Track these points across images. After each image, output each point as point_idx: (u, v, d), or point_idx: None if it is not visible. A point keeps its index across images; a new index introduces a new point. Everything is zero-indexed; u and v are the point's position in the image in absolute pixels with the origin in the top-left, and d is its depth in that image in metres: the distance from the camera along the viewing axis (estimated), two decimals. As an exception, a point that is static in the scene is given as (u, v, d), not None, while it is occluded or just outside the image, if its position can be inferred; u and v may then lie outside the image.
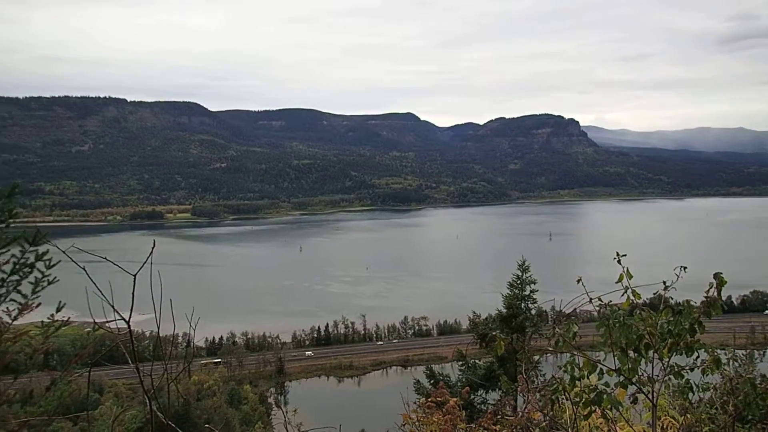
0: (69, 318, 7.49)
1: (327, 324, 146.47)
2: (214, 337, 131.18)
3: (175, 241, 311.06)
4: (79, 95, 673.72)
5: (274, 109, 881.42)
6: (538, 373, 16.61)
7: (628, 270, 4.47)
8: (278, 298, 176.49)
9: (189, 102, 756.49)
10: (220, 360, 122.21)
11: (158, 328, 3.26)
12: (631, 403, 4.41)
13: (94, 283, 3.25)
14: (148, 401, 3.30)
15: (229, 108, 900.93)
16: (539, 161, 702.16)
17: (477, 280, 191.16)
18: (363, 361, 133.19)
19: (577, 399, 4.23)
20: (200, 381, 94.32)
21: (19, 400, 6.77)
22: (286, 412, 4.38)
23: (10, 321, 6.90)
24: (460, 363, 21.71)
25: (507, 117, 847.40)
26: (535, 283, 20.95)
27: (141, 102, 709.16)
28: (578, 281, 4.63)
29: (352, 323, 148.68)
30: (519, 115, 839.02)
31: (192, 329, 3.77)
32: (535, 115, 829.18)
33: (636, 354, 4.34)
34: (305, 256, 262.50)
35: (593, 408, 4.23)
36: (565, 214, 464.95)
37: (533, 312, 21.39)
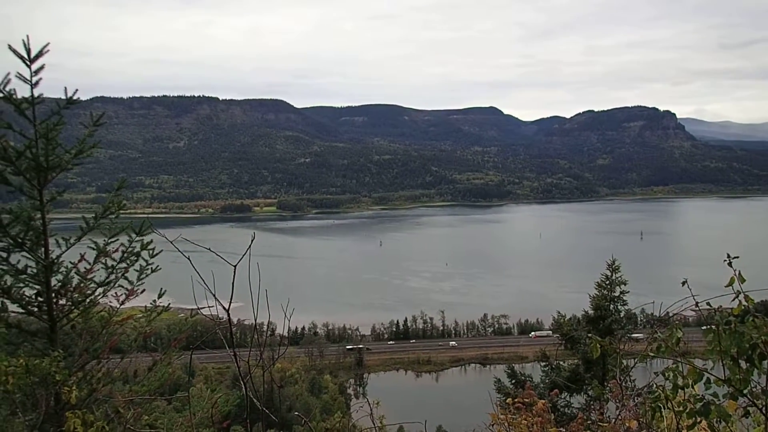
0: (169, 304, 8.01)
1: (406, 318, 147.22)
2: (296, 327, 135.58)
3: (261, 234, 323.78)
4: (176, 95, 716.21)
5: (357, 105, 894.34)
6: (629, 378, 15.80)
7: (740, 273, 4.11)
8: (358, 291, 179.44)
9: (276, 99, 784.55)
10: (361, 346, 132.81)
11: (255, 317, 3.37)
12: (742, 416, 4.07)
13: (197, 272, 3.40)
14: (243, 386, 3.43)
15: (313, 104, 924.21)
16: (630, 156, 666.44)
17: (561, 279, 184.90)
18: (441, 357, 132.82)
19: (681, 409, 3.95)
20: (283, 369, 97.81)
21: (119, 379, 7.33)
22: (372, 404, 4.40)
23: (118, 305, 7.47)
24: (543, 364, 21.08)
25: (596, 110, 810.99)
26: (625, 284, 19.94)
27: (232, 100, 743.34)
28: (683, 284, 4.33)
29: (431, 318, 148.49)
30: (609, 108, 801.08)
31: (287, 318, 3.88)
32: (627, 107, 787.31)
33: (748, 364, 3.99)
34: (385, 250, 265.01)
35: (698, 419, 3.93)
36: (658, 212, 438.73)
37: (622, 314, 20.37)
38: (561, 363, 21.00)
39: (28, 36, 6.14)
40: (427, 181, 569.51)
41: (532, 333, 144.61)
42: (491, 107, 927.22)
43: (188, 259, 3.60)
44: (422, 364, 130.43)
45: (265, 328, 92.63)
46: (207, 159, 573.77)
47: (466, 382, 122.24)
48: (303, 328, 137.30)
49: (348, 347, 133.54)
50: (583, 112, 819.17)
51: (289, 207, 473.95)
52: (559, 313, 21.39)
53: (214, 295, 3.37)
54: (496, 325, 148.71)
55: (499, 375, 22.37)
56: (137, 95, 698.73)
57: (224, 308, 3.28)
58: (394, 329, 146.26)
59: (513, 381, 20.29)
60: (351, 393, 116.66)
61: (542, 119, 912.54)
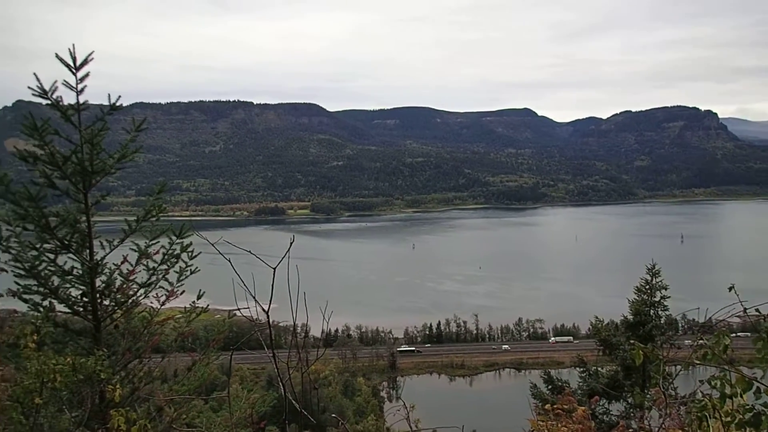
0: (207, 305, 8.17)
1: (439, 322, 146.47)
2: (329, 329, 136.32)
3: (295, 236, 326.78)
4: (212, 100, 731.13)
5: (389, 107, 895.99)
6: (671, 386, 15.35)
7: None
8: (391, 294, 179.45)
9: (309, 103, 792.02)
10: (413, 348, 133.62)
11: (294, 319, 3.40)
12: (795, 428, 3.89)
13: (237, 274, 3.45)
14: (282, 387, 3.46)
15: (346, 108, 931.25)
16: (670, 157, 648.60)
17: (598, 283, 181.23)
18: (475, 361, 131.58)
19: (729, 419, 3.81)
20: (317, 370, 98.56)
21: (158, 378, 7.50)
22: (408, 407, 4.38)
23: (158, 306, 7.65)
24: (580, 369, 20.66)
25: (633, 110, 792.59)
26: (666, 289, 19.38)
27: (266, 104, 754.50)
28: (730, 289, 4.18)
29: (464, 322, 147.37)
30: (647, 108, 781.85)
31: (326, 321, 3.91)
32: (666, 107, 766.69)
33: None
34: (418, 253, 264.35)
35: (748, 430, 3.79)
36: (699, 214, 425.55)
37: (663, 320, 19.81)
38: (599, 369, 20.55)
39: (73, 45, 6.36)
40: (460, 183, 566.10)
41: (552, 339, 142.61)
42: (525, 108, 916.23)
43: (229, 261, 3.65)
44: (456, 368, 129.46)
45: (299, 329, 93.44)
46: (242, 162, 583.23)
47: (501, 386, 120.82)
48: (336, 331, 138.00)
49: (400, 349, 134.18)
50: (621, 113, 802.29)
51: (322, 210, 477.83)
52: (596, 318, 20.93)
53: (254, 297, 3.41)
54: (531, 330, 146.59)
55: (535, 380, 22.04)
56: (175, 100, 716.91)
57: (264, 310, 3.31)
58: (427, 332, 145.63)
59: (549, 386, 19.95)
60: (384, 396, 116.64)
61: (578, 120, 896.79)
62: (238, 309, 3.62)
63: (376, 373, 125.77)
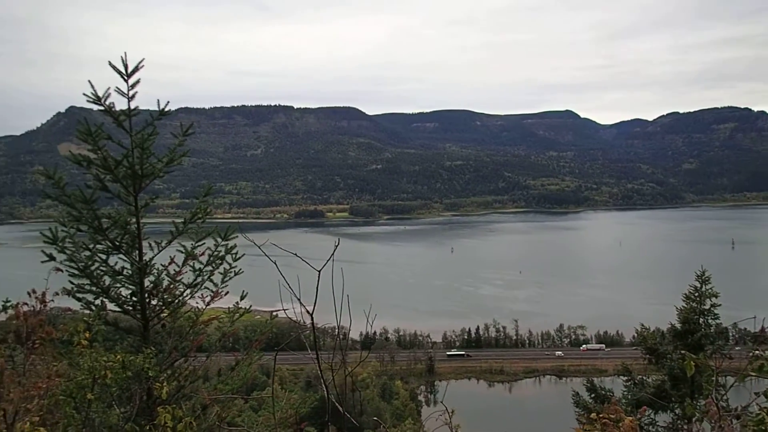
0: (250, 306, 8.31)
1: (477, 327, 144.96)
2: (367, 332, 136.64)
3: (333, 239, 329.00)
4: (253, 104, 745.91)
5: (428, 111, 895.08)
6: (723, 398, 14.76)
7: None
8: (429, 298, 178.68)
9: (349, 107, 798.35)
10: (463, 353, 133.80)
11: (338, 321, 3.42)
12: None
13: (283, 276, 3.50)
14: (325, 389, 3.48)
15: (385, 111, 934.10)
16: (720, 160, 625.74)
17: (643, 290, 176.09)
18: (515, 367, 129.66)
19: (788, 435, 3.63)
20: (355, 373, 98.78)
21: (202, 377, 7.68)
22: (449, 412, 4.35)
23: (203, 306, 7.84)
24: (625, 378, 20.10)
25: (681, 111, 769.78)
26: (716, 297, 18.65)
27: (306, 108, 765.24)
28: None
29: (504, 327, 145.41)
30: (696, 109, 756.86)
31: (369, 324, 3.93)
32: (716, 108, 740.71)
33: None
34: (456, 256, 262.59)
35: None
36: (752, 219, 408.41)
37: (713, 329, 19.08)
38: (644, 378, 19.95)
39: (125, 53, 6.60)
40: (499, 186, 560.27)
41: (583, 346, 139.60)
42: (567, 111, 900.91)
43: (274, 263, 3.72)
44: (494, 374, 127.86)
45: (337, 331, 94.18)
46: (282, 166, 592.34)
47: (542, 393, 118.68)
48: (374, 333, 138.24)
49: (450, 353, 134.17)
50: (668, 114, 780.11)
51: (360, 213, 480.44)
52: (642, 325, 20.34)
53: (299, 299, 3.45)
54: (573, 336, 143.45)
55: (577, 388, 21.56)
56: (218, 105, 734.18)
57: (308, 312, 3.35)
58: (466, 337, 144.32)
59: (592, 395, 19.47)
60: (422, 400, 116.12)
61: (622, 122, 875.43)
62: (284, 310, 3.66)
63: (414, 376, 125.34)
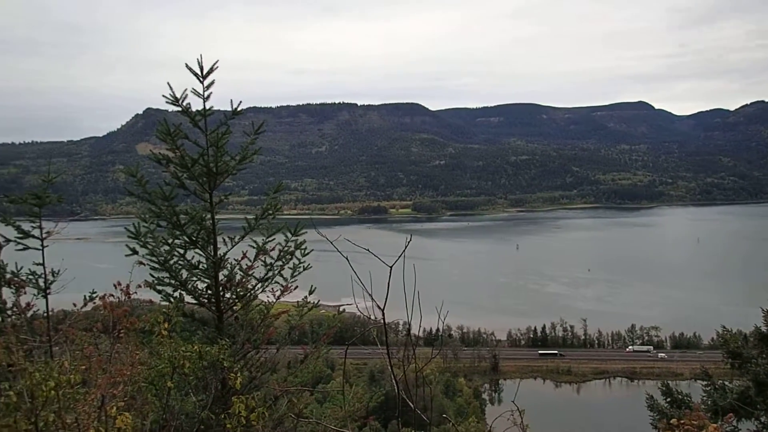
0: (318, 300, 8.47)
1: (544, 325, 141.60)
2: (430, 328, 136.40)
3: (396, 235, 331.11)
4: (318, 102, 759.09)
5: (492, 105, 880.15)
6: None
7: None
8: (493, 295, 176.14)
9: (411, 103, 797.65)
10: (556, 351, 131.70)
11: (410, 317, 3.42)
12: None
13: (355, 272, 3.53)
14: (395, 385, 3.49)
15: (448, 107, 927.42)
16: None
17: (723, 290, 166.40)
18: (583, 368, 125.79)
19: None
20: (413, 369, 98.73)
21: (271, 368, 7.90)
22: (520, 411, 4.26)
23: (274, 300, 8.06)
24: (704, 383, 19.05)
25: (767, 100, 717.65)
26: (808, 298, 17.32)
27: (369, 105, 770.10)
28: None
29: (571, 327, 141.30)
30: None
31: (441, 320, 3.90)
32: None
33: None
34: (521, 253, 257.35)
35: None
36: None
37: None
38: (725, 383, 18.84)
39: (201, 55, 6.86)
40: (567, 182, 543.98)
41: (629, 347, 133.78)
42: (640, 102, 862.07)
43: (346, 259, 3.76)
44: (561, 374, 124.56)
45: (400, 327, 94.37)
46: (346, 163, 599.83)
47: (611, 396, 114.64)
48: (437, 330, 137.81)
49: (541, 352, 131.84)
50: (751, 104, 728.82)
51: (423, 209, 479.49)
52: (724, 327, 19.20)
53: (370, 295, 3.48)
54: (646, 338, 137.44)
55: (651, 391, 20.66)
56: (284, 104, 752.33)
57: (379, 307, 3.36)
58: (531, 336, 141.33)
59: (668, 399, 18.58)
60: (486, 398, 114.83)
61: (700, 113, 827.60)
62: (355, 305, 3.69)
63: (478, 374, 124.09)
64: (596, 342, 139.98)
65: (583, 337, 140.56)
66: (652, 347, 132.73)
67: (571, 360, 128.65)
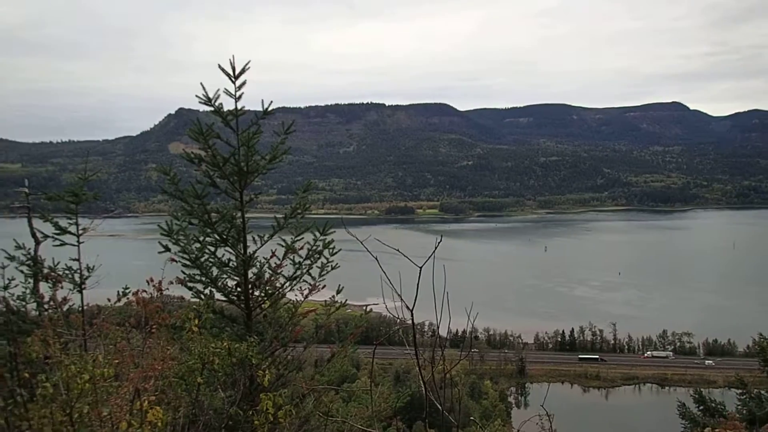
0: (346, 300, 8.50)
1: (572, 329, 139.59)
2: (456, 329, 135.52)
3: (424, 235, 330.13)
4: (346, 102, 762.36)
5: (522, 105, 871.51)
6: None
7: None
8: (520, 297, 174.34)
9: (440, 103, 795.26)
10: (597, 356, 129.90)
11: (438, 318, 3.40)
12: None
13: (384, 272, 3.54)
14: (423, 386, 3.48)
15: (476, 107, 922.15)
16: None
17: (760, 297, 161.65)
18: (612, 373, 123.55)
19: None
20: (443, 370, 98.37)
21: (298, 367, 7.96)
22: (549, 416, 4.20)
23: (302, 298, 8.13)
24: (740, 392, 18.51)
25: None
26: None
27: (397, 105, 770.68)
28: None
29: (600, 331, 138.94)
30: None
31: (470, 322, 3.88)
32: None
33: None
34: (550, 256, 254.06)
35: None
36: None
37: None
38: (762, 392, 18.28)
39: (233, 56, 6.96)
40: (598, 183, 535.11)
41: (647, 353, 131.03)
42: (674, 102, 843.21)
43: (376, 259, 3.76)
44: (590, 379, 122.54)
45: (425, 328, 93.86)
46: (374, 163, 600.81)
47: (641, 402, 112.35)
48: (463, 332, 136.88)
49: (581, 356, 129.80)
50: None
51: (451, 209, 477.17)
52: (761, 335, 18.67)
53: (399, 295, 3.47)
54: (678, 344, 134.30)
55: (683, 398, 20.21)
56: (313, 104, 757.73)
57: (408, 308, 3.36)
58: (559, 339, 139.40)
59: (701, 407, 18.15)
60: (512, 401, 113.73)
61: (738, 114, 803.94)
62: (384, 305, 3.69)
63: (504, 377, 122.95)
64: (626, 347, 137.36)
65: (612, 341, 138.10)
66: (671, 353, 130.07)
67: (600, 365, 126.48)
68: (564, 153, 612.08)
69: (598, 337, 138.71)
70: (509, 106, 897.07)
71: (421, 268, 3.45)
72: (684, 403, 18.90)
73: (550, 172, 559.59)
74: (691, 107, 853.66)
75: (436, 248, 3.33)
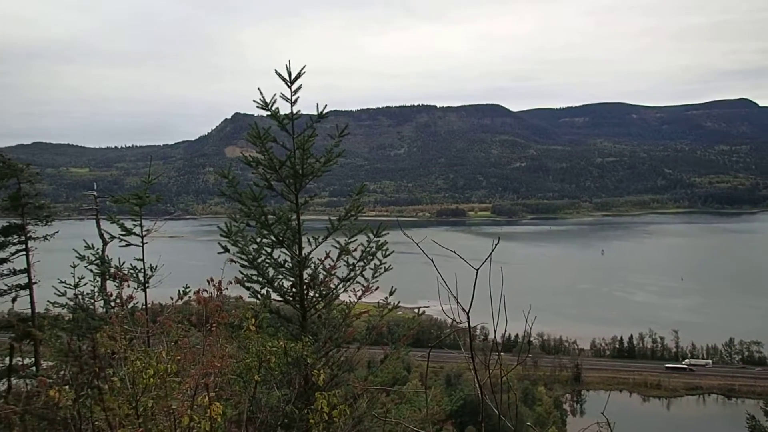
0: (398, 302, 8.51)
1: (631, 336, 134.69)
2: (509, 334, 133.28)
3: (475, 238, 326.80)
4: (397, 105, 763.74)
5: (577, 105, 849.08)
6: None
7: None
8: (575, 302, 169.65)
9: (492, 104, 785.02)
10: (685, 365, 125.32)
11: (495, 321, 3.36)
12: None
13: (440, 274, 3.52)
14: (479, 391, 3.44)
15: (530, 107, 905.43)
16: None
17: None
18: (674, 383, 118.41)
19: None
20: (496, 375, 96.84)
21: (348, 368, 8.02)
22: (611, 425, 4.07)
23: (355, 300, 8.20)
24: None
25: None
26: None
27: (449, 107, 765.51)
28: None
29: (662, 338, 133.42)
30: None
31: (529, 326, 3.82)
32: None
33: None
34: (607, 259, 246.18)
35: None
36: None
37: None
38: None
39: (289, 61, 7.10)
40: (658, 185, 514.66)
41: (686, 360, 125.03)
42: (742, 99, 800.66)
43: (431, 260, 3.75)
44: (650, 388, 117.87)
45: (477, 332, 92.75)
46: (425, 165, 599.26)
47: (706, 414, 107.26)
48: (516, 336, 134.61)
49: (668, 365, 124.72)
50: None
51: (503, 212, 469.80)
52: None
53: (455, 297, 3.44)
54: (746, 353, 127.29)
55: (752, 411, 19.18)
56: (364, 107, 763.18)
57: (464, 310, 3.33)
58: (617, 346, 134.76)
59: (772, 421, 17.19)
60: (567, 409, 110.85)
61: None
62: (441, 307, 3.67)
63: (559, 383, 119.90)
64: (689, 355, 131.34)
65: (674, 349, 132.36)
66: (711, 361, 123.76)
67: (660, 374, 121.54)
68: (622, 153, 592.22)
69: (659, 345, 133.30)
70: (564, 105, 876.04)
71: (477, 270, 3.41)
72: (753, 415, 17.96)
73: (607, 173, 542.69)
74: (761, 104, 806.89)
75: (493, 250, 3.29)
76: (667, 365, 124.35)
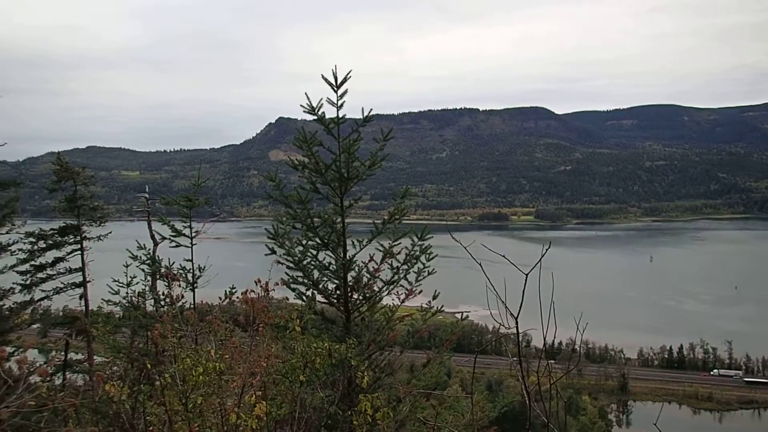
0: (442, 306, 8.48)
1: (681, 345, 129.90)
2: (553, 341, 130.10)
3: (518, 243, 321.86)
4: (439, 108, 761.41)
5: (625, 107, 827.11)
6: None
7: None
8: (622, 310, 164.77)
9: (535, 107, 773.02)
10: (732, 374, 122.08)
11: (545, 328, 3.31)
12: None
13: (488, 279, 3.49)
14: (527, 397, 3.40)
15: (575, 110, 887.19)
16: None
17: None
18: (727, 395, 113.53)
19: None
20: (537, 382, 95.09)
21: (390, 372, 8.02)
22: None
23: (398, 303, 8.22)
24: None
25: None
26: None
27: (491, 110, 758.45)
28: None
29: (714, 349, 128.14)
30: None
31: (579, 333, 3.75)
32: None
33: None
34: (656, 266, 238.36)
35: None
36: None
37: None
38: None
39: (336, 66, 7.19)
40: (711, 189, 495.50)
41: (714, 370, 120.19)
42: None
43: (479, 264, 3.72)
44: (701, 400, 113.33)
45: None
46: (467, 168, 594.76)
47: (761, 429, 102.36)
48: (560, 343, 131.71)
49: (747, 380, 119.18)
50: None
51: (547, 216, 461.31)
52: None
53: (504, 302, 3.41)
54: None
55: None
56: (406, 111, 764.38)
57: (513, 315, 3.29)
58: (666, 356, 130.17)
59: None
60: (613, 419, 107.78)
61: None
62: (490, 312, 3.64)
63: (604, 393, 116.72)
64: (744, 367, 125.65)
65: (727, 361, 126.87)
66: (740, 372, 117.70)
67: (713, 385, 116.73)
68: (672, 157, 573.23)
69: (711, 356, 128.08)
70: (611, 108, 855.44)
71: (527, 275, 3.37)
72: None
73: (657, 177, 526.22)
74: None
75: (543, 255, 3.24)
76: (746, 379, 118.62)
